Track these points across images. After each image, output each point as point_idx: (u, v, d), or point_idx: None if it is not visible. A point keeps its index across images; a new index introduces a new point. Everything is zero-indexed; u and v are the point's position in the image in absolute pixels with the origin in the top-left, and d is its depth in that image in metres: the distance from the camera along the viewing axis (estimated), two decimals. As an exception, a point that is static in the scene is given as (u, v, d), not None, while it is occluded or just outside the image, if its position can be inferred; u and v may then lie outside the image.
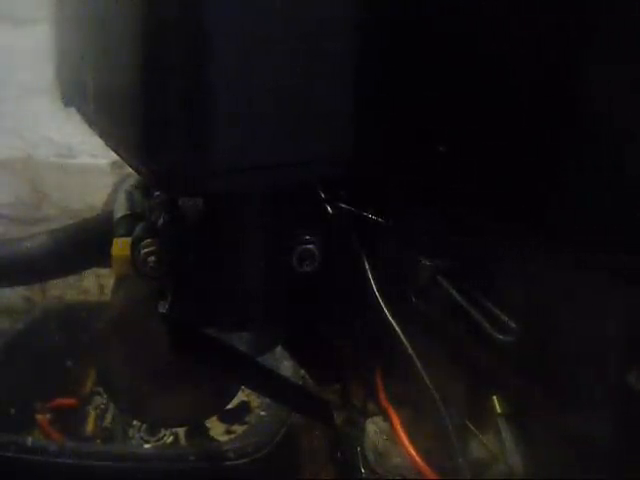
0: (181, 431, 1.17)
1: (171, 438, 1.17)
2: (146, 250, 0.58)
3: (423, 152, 0.50)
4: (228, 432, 1.16)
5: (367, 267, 0.54)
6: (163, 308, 0.58)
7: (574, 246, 0.47)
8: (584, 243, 0.46)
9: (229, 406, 0.90)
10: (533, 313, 0.50)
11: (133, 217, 0.68)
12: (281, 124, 0.46)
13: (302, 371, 0.94)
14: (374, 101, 0.47)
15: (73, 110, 0.67)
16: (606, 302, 0.47)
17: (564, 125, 0.45)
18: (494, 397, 0.57)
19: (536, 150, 0.47)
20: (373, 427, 0.69)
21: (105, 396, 1.21)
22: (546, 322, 0.50)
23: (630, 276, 0.45)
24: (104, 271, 1.26)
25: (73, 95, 0.65)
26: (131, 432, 1.19)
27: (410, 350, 0.51)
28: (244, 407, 1.17)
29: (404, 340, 0.52)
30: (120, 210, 0.70)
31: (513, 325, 0.48)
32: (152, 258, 0.58)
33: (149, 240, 0.59)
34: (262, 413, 1.07)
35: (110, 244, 0.65)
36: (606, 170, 0.42)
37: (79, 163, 1.56)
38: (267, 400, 1.06)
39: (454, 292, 0.51)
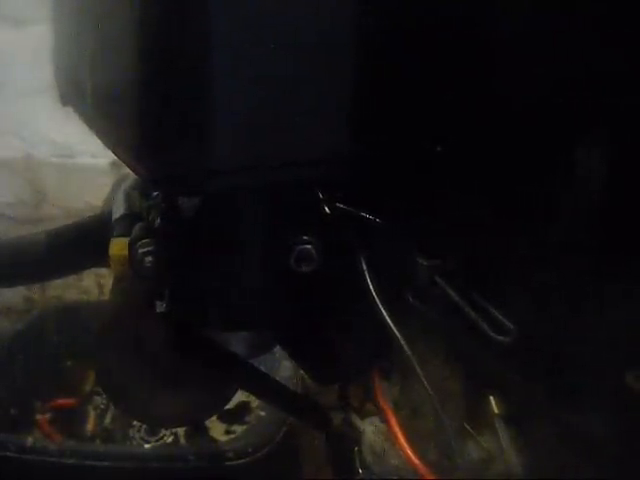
0: (181, 431, 1.17)
1: (171, 438, 1.17)
2: (144, 250, 0.58)
3: (423, 152, 0.50)
4: (228, 432, 1.15)
5: (365, 267, 0.54)
6: (161, 308, 0.58)
7: (573, 247, 0.47)
8: (582, 244, 0.46)
9: (229, 406, 0.90)
10: (532, 313, 0.50)
11: (131, 217, 0.67)
12: (279, 124, 0.46)
13: (301, 371, 0.94)
14: (373, 101, 0.47)
15: (73, 110, 0.67)
16: (606, 302, 0.47)
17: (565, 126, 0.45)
18: (491, 397, 0.57)
19: (535, 150, 0.46)
20: (371, 428, 0.69)
21: (105, 396, 1.21)
22: (545, 322, 0.50)
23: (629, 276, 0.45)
24: (104, 271, 1.26)
25: (71, 94, 0.65)
26: (131, 432, 1.19)
27: (408, 351, 0.51)
28: (244, 407, 1.16)
29: (402, 341, 0.51)
30: (118, 210, 0.70)
31: (511, 326, 0.48)
32: (150, 258, 0.58)
33: (147, 240, 0.59)
34: (262, 413, 1.07)
35: (109, 244, 0.65)
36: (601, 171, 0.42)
37: (79, 163, 1.56)
38: (267, 400, 1.05)
39: (452, 292, 0.51)
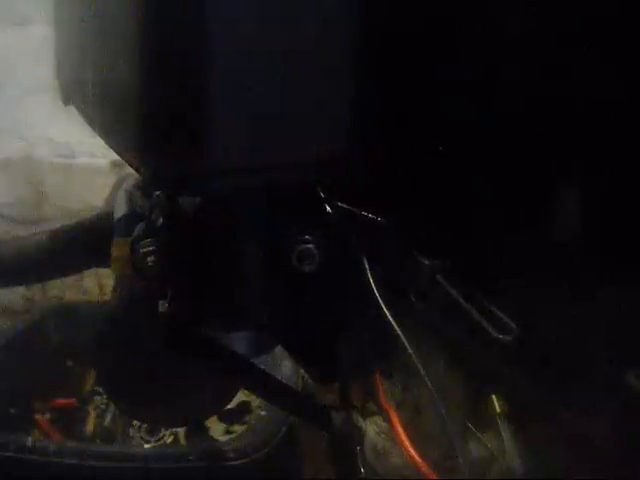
0: (181, 431, 1.17)
1: (171, 438, 1.17)
2: (145, 250, 0.58)
3: (423, 152, 0.50)
4: (228, 432, 1.15)
5: (367, 267, 0.54)
6: (162, 307, 0.58)
7: (574, 248, 0.47)
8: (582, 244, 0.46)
9: (229, 406, 0.90)
10: (533, 313, 0.50)
11: (133, 217, 0.67)
12: (280, 124, 0.46)
13: (302, 371, 0.94)
14: (373, 101, 0.47)
15: (73, 109, 0.67)
16: (606, 301, 0.47)
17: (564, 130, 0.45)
18: (493, 397, 0.57)
19: (535, 151, 0.47)
20: (373, 427, 0.69)
21: (105, 396, 1.21)
22: (546, 322, 0.50)
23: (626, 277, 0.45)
24: (104, 271, 1.26)
25: (73, 94, 0.65)
26: (131, 432, 1.19)
27: (410, 350, 0.51)
28: (244, 407, 1.16)
29: (404, 340, 0.52)
30: (120, 210, 0.70)
31: (513, 325, 0.48)
32: (151, 258, 0.58)
33: (149, 240, 0.59)
34: (262, 413, 1.07)
35: (110, 244, 0.65)
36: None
37: (79, 163, 1.56)
38: (267, 400, 1.05)
39: (454, 292, 0.51)
